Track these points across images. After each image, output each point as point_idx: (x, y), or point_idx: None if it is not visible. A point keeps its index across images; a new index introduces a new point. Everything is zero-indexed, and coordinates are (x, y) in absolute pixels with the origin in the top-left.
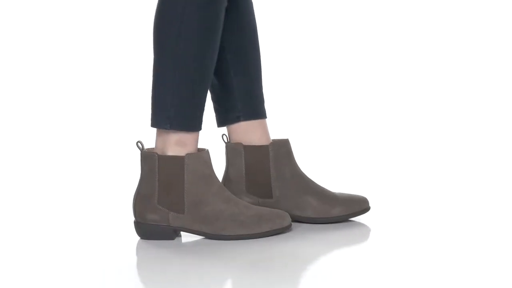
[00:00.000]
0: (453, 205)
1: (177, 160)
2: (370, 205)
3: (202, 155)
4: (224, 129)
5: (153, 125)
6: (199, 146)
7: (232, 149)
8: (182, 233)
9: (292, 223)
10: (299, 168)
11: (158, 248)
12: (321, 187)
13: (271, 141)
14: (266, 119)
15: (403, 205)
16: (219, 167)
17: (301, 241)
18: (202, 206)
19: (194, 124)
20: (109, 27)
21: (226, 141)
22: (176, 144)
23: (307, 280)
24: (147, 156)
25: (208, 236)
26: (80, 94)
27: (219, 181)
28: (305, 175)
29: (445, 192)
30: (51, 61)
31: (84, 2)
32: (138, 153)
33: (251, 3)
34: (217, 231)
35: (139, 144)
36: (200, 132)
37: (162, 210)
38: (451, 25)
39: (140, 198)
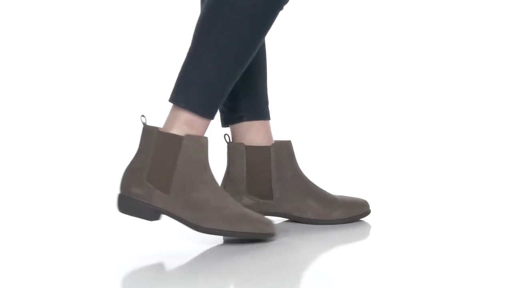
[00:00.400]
0: (454, 207)
1: (176, 139)
2: (370, 208)
3: (201, 140)
4: (227, 129)
5: (171, 100)
6: None
7: (233, 149)
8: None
9: (292, 223)
10: (300, 170)
11: (157, 252)
12: (322, 189)
13: (273, 142)
14: (270, 121)
15: (404, 207)
16: (220, 167)
17: (301, 241)
18: (189, 190)
19: (209, 111)
20: (109, 27)
21: (228, 141)
22: (184, 123)
23: (307, 280)
24: (147, 130)
25: (187, 224)
26: (80, 94)
27: (211, 172)
28: (306, 177)
29: (446, 194)
30: (51, 61)
31: (84, 2)
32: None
33: None
34: (198, 222)
35: (142, 118)
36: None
37: (149, 186)
38: (451, 25)
39: (130, 171)
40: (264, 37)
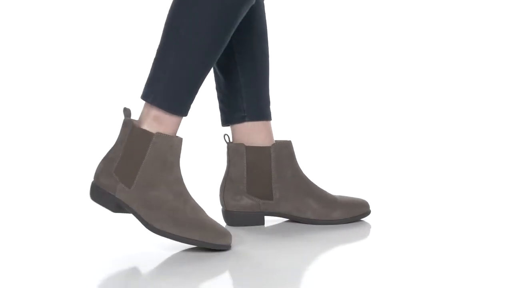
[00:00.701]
0: (453, 207)
1: (146, 135)
2: (371, 208)
3: (172, 140)
4: (227, 129)
5: (141, 96)
6: (203, 143)
7: (234, 149)
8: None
9: (292, 223)
10: (301, 170)
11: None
12: (322, 190)
13: (274, 142)
14: (271, 121)
15: (404, 207)
16: (220, 167)
17: (301, 242)
18: (150, 188)
19: (177, 108)
20: (109, 27)
21: (228, 141)
22: (153, 120)
23: (307, 281)
24: (125, 123)
25: (141, 221)
26: (80, 94)
27: (180, 173)
28: (306, 177)
29: (446, 194)
30: (51, 61)
31: (84, 2)
32: None
33: (263, 5)
34: (149, 220)
35: (125, 110)
36: (205, 132)
37: (114, 178)
38: (450, 25)
39: (104, 160)
40: (230, 35)
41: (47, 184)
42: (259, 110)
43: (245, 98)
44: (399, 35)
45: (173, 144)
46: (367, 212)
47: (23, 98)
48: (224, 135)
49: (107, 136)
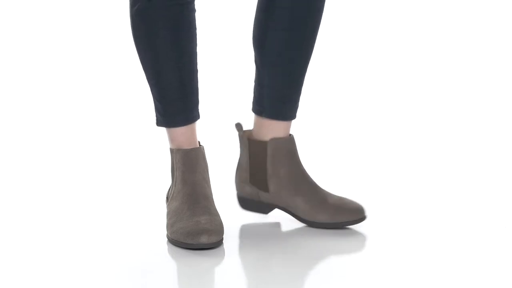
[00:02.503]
0: (453, 209)
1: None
2: (366, 214)
3: (174, 154)
4: (246, 118)
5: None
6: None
7: (241, 138)
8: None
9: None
10: (301, 168)
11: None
12: (321, 190)
13: (271, 138)
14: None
15: (404, 207)
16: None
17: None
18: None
19: (165, 121)
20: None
21: (239, 129)
22: (168, 140)
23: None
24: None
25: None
26: (80, 94)
27: (179, 186)
28: (306, 175)
29: (446, 196)
30: (51, 61)
31: (84, 2)
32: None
33: (316, 4)
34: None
35: (238, 125)
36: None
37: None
38: (451, 25)
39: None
40: (152, 39)
41: (47, 184)
42: (277, 109)
43: (267, 94)
44: (398, 32)
45: (175, 158)
46: (357, 219)
47: (23, 98)
48: (237, 124)
49: (107, 136)
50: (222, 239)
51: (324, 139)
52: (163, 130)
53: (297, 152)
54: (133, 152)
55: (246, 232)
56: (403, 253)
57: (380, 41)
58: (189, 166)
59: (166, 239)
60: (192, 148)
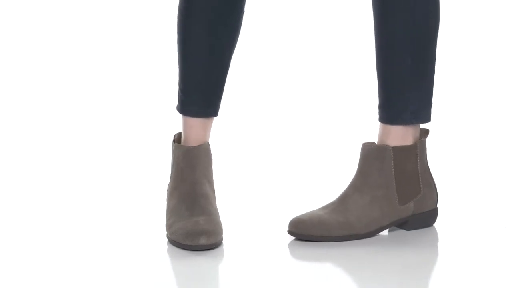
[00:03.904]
0: (454, 209)
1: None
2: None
3: (176, 149)
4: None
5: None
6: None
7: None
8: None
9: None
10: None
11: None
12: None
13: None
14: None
15: None
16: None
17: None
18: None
19: (179, 106)
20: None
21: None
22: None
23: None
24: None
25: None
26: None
27: (177, 181)
28: None
29: (446, 196)
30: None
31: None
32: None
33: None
34: None
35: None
36: None
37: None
38: (451, 25)
39: None
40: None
41: (47, 183)
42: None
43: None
44: None
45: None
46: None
47: (23, 98)
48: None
49: (107, 136)
50: (221, 240)
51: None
52: (163, 129)
53: None
54: (132, 151)
55: (246, 232)
56: (403, 253)
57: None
58: (189, 164)
59: (166, 239)
60: (194, 146)
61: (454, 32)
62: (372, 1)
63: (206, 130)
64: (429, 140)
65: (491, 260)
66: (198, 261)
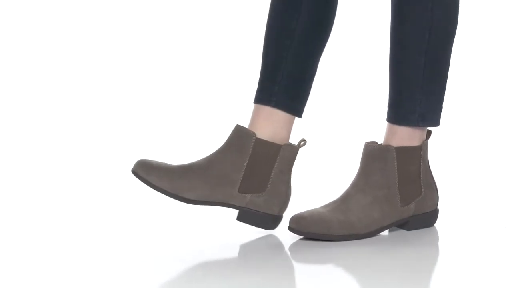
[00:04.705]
0: (454, 209)
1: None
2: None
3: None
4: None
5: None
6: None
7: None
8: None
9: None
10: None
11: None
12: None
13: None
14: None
15: None
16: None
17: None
18: None
19: (257, 99)
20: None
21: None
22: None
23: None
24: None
25: None
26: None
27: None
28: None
29: (446, 196)
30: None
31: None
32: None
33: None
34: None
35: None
36: None
37: None
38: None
39: None
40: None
41: (48, 184)
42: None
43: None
44: None
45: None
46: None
47: (24, 99)
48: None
49: (107, 136)
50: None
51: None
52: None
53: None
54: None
55: (246, 229)
56: (402, 253)
57: (379, 43)
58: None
59: (164, 240)
60: (243, 128)
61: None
62: (392, 1)
63: (268, 124)
64: (430, 140)
65: (491, 260)
66: (197, 258)
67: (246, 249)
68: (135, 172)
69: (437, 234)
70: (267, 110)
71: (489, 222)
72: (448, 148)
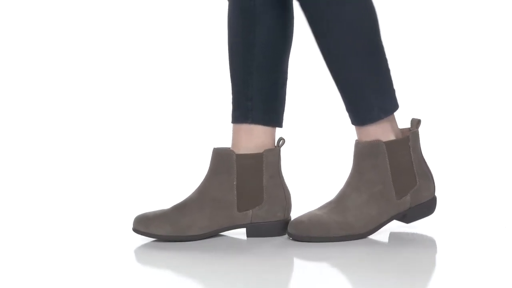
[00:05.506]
0: (454, 209)
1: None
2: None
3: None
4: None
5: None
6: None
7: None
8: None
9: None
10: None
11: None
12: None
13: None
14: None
15: None
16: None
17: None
18: None
19: (234, 118)
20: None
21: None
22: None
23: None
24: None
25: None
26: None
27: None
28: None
29: (446, 196)
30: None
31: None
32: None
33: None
34: None
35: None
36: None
37: None
38: (451, 25)
39: None
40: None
41: (47, 184)
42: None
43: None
44: (398, 32)
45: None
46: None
47: (24, 99)
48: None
49: (107, 136)
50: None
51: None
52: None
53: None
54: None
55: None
56: (402, 253)
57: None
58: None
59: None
60: (220, 149)
61: (450, 32)
62: (308, 23)
63: (239, 138)
64: (431, 138)
65: (491, 260)
66: (196, 261)
67: (246, 249)
68: (135, 230)
69: (437, 234)
70: (246, 127)
71: (489, 222)
72: (448, 148)
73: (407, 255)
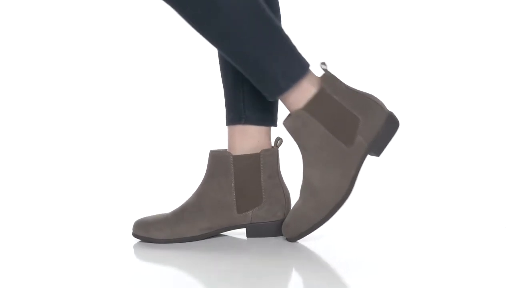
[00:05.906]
0: (454, 209)
1: None
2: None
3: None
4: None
5: None
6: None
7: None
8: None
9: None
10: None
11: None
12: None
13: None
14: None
15: (405, 209)
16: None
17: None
18: None
19: (228, 120)
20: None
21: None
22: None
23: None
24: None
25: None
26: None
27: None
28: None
29: (446, 196)
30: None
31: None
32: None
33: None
34: None
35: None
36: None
37: None
38: (451, 25)
39: None
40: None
41: (48, 188)
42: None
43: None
44: (397, 32)
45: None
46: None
47: (23, 100)
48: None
49: (106, 141)
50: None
51: None
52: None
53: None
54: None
55: (243, 234)
56: (402, 253)
57: (380, 43)
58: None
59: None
60: (217, 151)
61: (449, 31)
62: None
63: (234, 139)
64: (431, 138)
65: (491, 260)
66: (196, 261)
67: (246, 249)
68: (135, 235)
69: (436, 234)
70: (240, 128)
71: (489, 222)
72: (448, 148)
73: (406, 255)
